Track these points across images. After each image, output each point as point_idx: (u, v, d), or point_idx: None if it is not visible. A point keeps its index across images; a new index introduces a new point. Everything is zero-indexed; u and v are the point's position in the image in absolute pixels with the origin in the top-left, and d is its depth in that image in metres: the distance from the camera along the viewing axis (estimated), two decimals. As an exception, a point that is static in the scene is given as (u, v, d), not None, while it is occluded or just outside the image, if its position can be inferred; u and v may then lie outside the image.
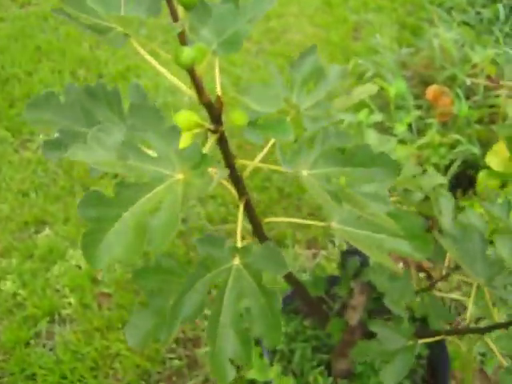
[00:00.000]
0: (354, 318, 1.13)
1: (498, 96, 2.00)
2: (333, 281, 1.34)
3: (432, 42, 2.10)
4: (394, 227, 0.71)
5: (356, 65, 2.41)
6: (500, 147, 1.73)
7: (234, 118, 0.75)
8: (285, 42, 2.82)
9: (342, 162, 0.76)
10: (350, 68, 2.39)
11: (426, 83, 2.15)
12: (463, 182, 1.91)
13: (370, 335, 1.20)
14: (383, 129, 2.01)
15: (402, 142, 1.96)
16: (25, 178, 2.01)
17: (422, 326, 1.18)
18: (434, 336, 1.09)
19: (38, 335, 1.59)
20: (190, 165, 0.66)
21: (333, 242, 1.82)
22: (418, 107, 2.10)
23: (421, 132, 1.99)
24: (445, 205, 1.15)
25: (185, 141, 0.74)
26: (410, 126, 1.99)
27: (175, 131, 0.66)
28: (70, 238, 1.81)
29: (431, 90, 2.01)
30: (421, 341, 1.02)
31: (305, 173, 0.77)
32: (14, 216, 1.89)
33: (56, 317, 1.62)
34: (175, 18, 0.69)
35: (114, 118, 0.89)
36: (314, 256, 1.78)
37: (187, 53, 0.67)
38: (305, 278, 1.64)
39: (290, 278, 1.11)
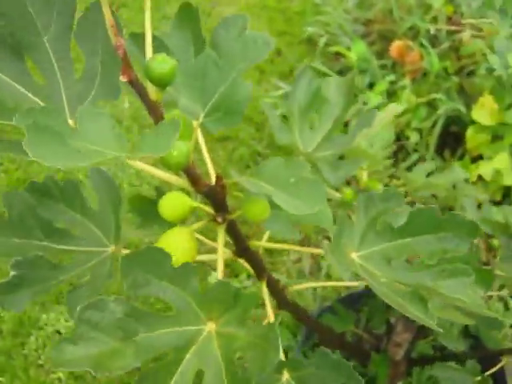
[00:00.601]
0: (399, 353, 0.99)
1: (461, 43, 1.85)
2: (349, 300, 1.19)
3: (383, -8, 1.91)
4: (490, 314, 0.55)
5: (303, 32, 2.21)
6: (486, 100, 1.58)
7: (254, 212, 0.55)
8: (217, 16, 2.57)
9: (399, 232, 0.58)
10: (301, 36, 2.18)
11: (385, 39, 1.97)
12: (449, 141, 1.77)
13: (414, 362, 1.07)
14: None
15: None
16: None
17: (472, 341, 1.04)
18: (490, 355, 0.96)
19: (33, 426, 1.39)
20: (220, 308, 0.47)
21: (328, 238, 1.65)
22: (383, 67, 1.92)
23: (393, 95, 1.83)
24: (469, 205, 1.00)
25: (182, 251, 0.55)
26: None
27: (187, 268, 0.47)
28: (39, 301, 1.58)
29: (395, 47, 1.84)
30: (487, 373, 0.88)
31: (354, 256, 0.59)
32: (-33, 289, 1.64)
33: (47, 398, 1.42)
34: (149, 105, 0.48)
35: (78, 218, 0.68)
36: (314, 257, 1.62)
37: (179, 150, 0.47)
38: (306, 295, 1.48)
39: (308, 321, 0.95)
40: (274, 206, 0.57)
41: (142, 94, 0.46)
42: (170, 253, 0.56)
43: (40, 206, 0.65)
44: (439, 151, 1.76)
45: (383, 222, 0.59)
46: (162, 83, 0.47)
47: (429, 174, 1.04)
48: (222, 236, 0.60)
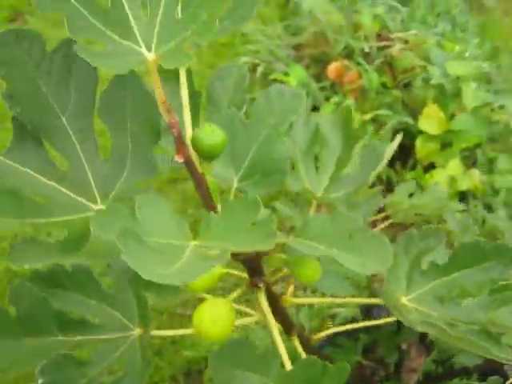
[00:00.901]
0: (413, 378, 0.98)
1: (392, 57, 1.91)
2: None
3: (313, 15, 1.94)
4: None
5: (234, 62, 2.20)
6: (431, 109, 1.64)
7: (306, 274, 0.52)
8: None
9: (444, 269, 0.57)
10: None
11: (319, 61, 2.00)
12: (399, 154, 1.81)
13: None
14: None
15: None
16: None
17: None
18: (495, 367, 0.98)
19: None
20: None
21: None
22: (321, 89, 1.95)
23: (338, 115, 1.85)
24: (450, 218, 1.02)
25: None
26: (325, 112, 1.84)
27: (268, 353, 0.43)
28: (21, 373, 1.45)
29: (333, 69, 1.87)
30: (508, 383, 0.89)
31: (404, 301, 0.57)
32: None
33: None
34: (198, 179, 0.44)
35: (94, 304, 0.62)
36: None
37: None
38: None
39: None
40: (322, 263, 0.54)
41: (193, 171, 0.42)
42: (210, 327, 0.52)
43: (49, 297, 0.59)
44: (391, 165, 1.79)
45: (427, 260, 0.57)
46: (210, 155, 0.43)
47: (410, 195, 1.05)
48: (264, 302, 0.56)
